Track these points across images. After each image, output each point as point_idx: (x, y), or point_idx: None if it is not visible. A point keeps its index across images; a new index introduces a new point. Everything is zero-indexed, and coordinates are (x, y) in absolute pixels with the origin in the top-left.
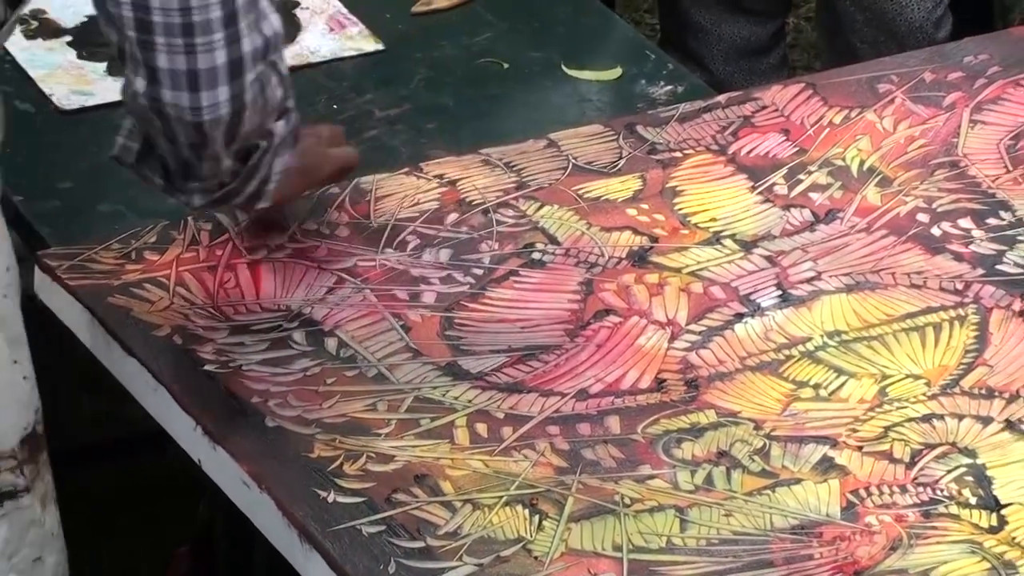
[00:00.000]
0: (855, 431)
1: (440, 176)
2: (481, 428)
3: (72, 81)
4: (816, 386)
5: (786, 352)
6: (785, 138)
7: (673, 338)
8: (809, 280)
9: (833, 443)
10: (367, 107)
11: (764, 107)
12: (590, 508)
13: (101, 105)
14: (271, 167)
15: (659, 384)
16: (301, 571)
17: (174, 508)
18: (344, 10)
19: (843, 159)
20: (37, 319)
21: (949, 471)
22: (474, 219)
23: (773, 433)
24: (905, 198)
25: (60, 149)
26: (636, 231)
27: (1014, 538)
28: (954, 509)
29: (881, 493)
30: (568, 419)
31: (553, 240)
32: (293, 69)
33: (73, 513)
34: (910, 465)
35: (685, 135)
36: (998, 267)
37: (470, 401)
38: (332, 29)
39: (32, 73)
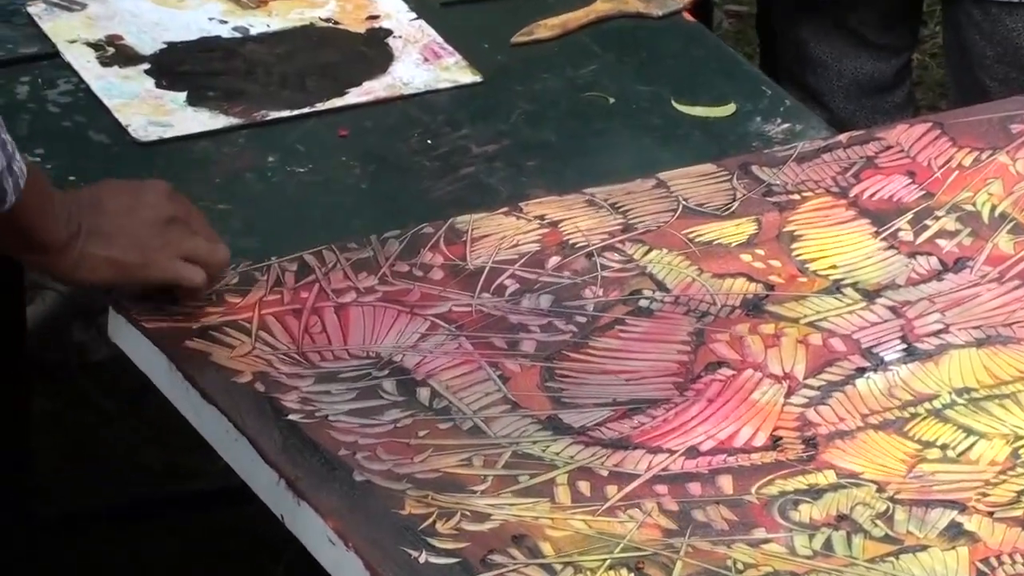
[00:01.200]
0: (986, 495)
1: (541, 217)
2: (583, 486)
3: (150, 111)
4: (944, 447)
5: (911, 410)
6: (911, 181)
7: (790, 393)
8: (936, 333)
9: (962, 508)
10: (463, 142)
11: (888, 147)
12: (700, 573)
13: (180, 137)
14: None
15: (775, 442)
16: None
17: (247, 567)
18: (440, 39)
19: (973, 204)
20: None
21: None
22: (577, 263)
23: (897, 496)
24: None
25: None
26: (751, 278)
27: None
28: None
29: (1014, 562)
30: (677, 478)
31: (662, 287)
32: (385, 101)
33: (141, 568)
34: None
35: (803, 176)
36: None
37: (572, 457)
38: (427, 59)
39: (108, 103)
